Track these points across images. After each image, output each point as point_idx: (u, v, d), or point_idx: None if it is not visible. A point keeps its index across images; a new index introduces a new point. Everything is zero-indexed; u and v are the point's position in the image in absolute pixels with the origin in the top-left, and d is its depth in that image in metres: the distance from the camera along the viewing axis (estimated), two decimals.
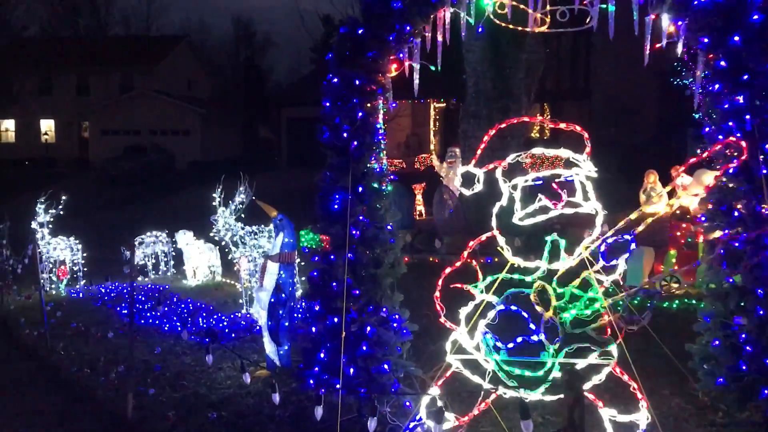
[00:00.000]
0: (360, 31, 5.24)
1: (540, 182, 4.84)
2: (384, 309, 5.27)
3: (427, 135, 38.53)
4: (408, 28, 5.24)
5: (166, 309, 9.16)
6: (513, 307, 4.88)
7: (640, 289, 4.85)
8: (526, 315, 4.85)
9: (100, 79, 46.19)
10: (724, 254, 4.96)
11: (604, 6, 5.20)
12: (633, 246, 4.86)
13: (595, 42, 29.55)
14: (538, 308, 4.80)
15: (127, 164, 36.37)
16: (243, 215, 9.28)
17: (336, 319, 5.12)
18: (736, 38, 4.82)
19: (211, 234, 9.48)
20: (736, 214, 4.97)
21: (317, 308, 5.35)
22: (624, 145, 29.54)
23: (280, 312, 6.69)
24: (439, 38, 5.46)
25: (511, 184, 4.89)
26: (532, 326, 4.81)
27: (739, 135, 4.87)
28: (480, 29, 5.38)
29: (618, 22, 5.30)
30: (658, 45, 5.29)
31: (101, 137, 43.33)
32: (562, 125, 4.94)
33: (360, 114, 5.25)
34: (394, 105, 5.53)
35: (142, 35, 55.49)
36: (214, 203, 9.21)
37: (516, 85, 12.27)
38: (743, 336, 4.95)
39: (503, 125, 5.08)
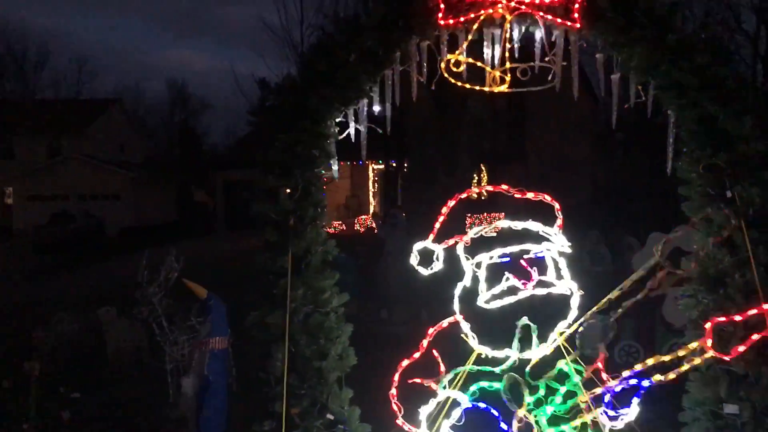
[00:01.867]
0: (300, 93, 4.64)
1: (507, 259, 4.26)
2: (331, 410, 4.52)
3: (367, 197, 38.30)
4: (353, 88, 4.67)
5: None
6: (481, 405, 4.24)
7: (623, 378, 4.26)
8: (496, 413, 4.21)
9: (26, 143, 44.50)
10: (711, 335, 4.43)
11: (564, 64, 4.78)
12: (614, 330, 4.32)
13: (529, 103, 30.03)
14: (510, 405, 4.18)
15: (53, 231, 34.76)
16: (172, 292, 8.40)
17: (273, 425, 4.34)
18: (712, 98, 4.42)
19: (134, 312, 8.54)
20: (721, 290, 4.48)
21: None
22: (561, 206, 29.76)
23: (204, 404, 5.91)
24: (389, 99, 4.90)
25: (475, 262, 4.30)
26: (504, 426, 4.18)
27: (721, 204, 4.43)
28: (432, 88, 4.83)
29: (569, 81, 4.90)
30: (626, 105, 4.89)
31: (26, 203, 41.43)
32: (530, 195, 4.41)
33: (300, 184, 4.60)
34: (337, 172, 4.90)
35: (71, 99, 54.01)
36: (138, 279, 8.31)
37: (461, 146, 11.93)
38: (737, 428, 4.39)
39: (464, 195, 4.53)
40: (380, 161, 35.24)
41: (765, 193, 4.46)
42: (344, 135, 4.92)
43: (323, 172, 4.88)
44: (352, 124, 4.89)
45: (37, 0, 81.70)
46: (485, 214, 33.00)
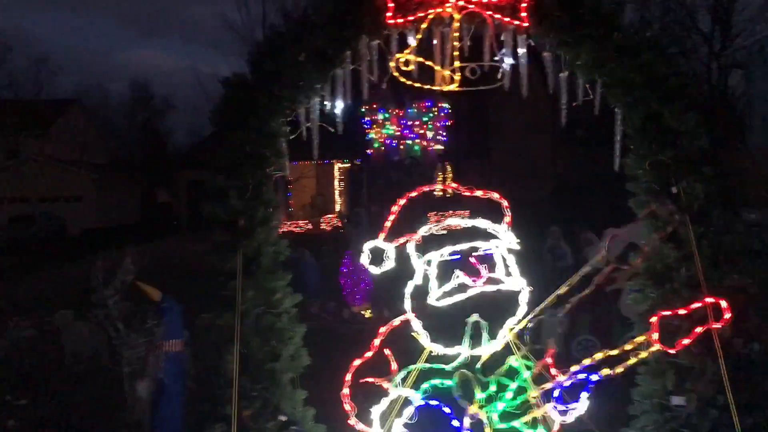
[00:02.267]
0: (249, 92, 4.60)
1: (457, 257, 4.28)
2: (284, 411, 4.50)
3: (332, 196, 38.15)
4: (303, 86, 4.65)
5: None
6: (433, 402, 4.25)
7: (573, 373, 4.30)
8: (447, 410, 4.23)
9: None
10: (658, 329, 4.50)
11: (513, 62, 4.82)
12: (563, 326, 4.36)
13: (492, 101, 30.22)
14: (461, 402, 4.20)
15: (12, 234, 34.06)
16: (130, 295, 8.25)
17: (225, 427, 4.30)
18: (656, 96, 4.50)
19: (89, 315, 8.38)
20: (667, 285, 4.56)
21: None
22: (523, 202, 30.07)
23: (159, 409, 5.81)
24: (340, 97, 4.89)
25: (425, 260, 4.31)
26: (456, 423, 4.19)
27: (666, 200, 4.50)
28: (383, 87, 4.82)
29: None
30: (574, 104, 4.94)
31: None
32: (479, 192, 4.44)
33: (250, 184, 4.56)
34: (288, 171, 4.87)
35: (31, 99, 52.83)
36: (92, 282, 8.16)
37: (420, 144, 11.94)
38: (682, 419, 4.48)
39: (414, 193, 4.54)
40: (346, 160, 35.17)
41: (708, 188, 4.55)
42: (296, 134, 4.87)
43: (275, 171, 4.82)
44: (303, 123, 4.85)
45: None
46: (450, 212, 33.22)
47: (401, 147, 15.40)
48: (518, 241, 4.31)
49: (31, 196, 40.56)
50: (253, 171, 4.57)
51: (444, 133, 11.69)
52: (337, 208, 37.24)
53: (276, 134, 4.65)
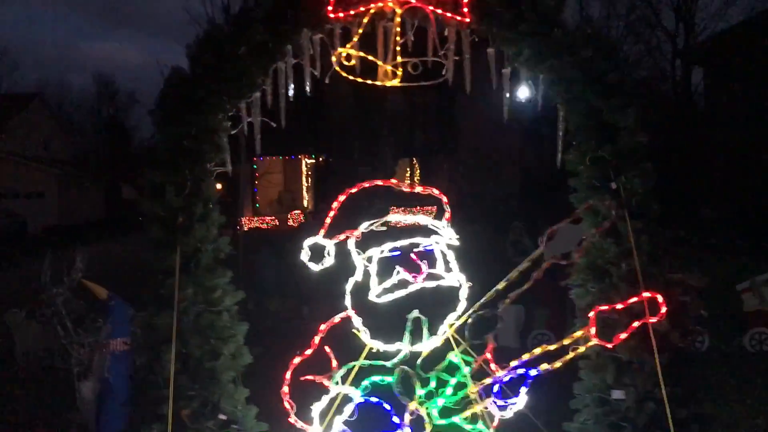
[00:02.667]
0: (188, 85, 4.52)
1: (398, 253, 4.27)
2: (224, 410, 4.44)
3: (300, 191, 37.99)
4: (244, 81, 4.59)
5: None
6: (373, 399, 4.23)
7: (511, 369, 4.32)
8: (388, 407, 4.22)
9: None
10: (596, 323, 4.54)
11: (457, 58, 4.81)
12: (500, 323, 4.38)
13: (459, 97, 30.36)
14: (401, 398, 4.19)
15: None
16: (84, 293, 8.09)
17: (162, 427, 4.23)
18: (596, 92, 4.53)
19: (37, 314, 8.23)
20: (607, 280, 4.60)
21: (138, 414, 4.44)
22: (490, 197, 30.33)
23: (104, 409, 5.73)
24: (284, 92, 4.84)
25: (366, 257, 4.28)
26: (396, 419, 4.18)
27: (605, 195, 4.54)
28: (326, 81, 4.77)
29: (476, 75, 4.93)
30: (518, 100, 4.95)
31: None
32: (419, 188, 4.42)
33: (189, 180, 4.49)
34: (230, 167, 4.80)
35: None
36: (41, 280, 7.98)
37: (382, 140, 11.92)
38: (621, 412, 4.52)
39: (354, 190, 4.51)
40: (313, 155, 35.03)
41: (647, 183, 4.60)
42: (237, 129, 4.81)
43: (215, 167, 4.76)
44: (244, 118, 4.78)
45: None
46: (417, 207, 33.29)
47: None
48: (458, 237, 4.31)
49: None
50: (191, 167, 4.50)
51: None
52: (305, 204, 37.12)
53: (215, 129, 4.58)
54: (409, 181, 36.91)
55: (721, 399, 7.43)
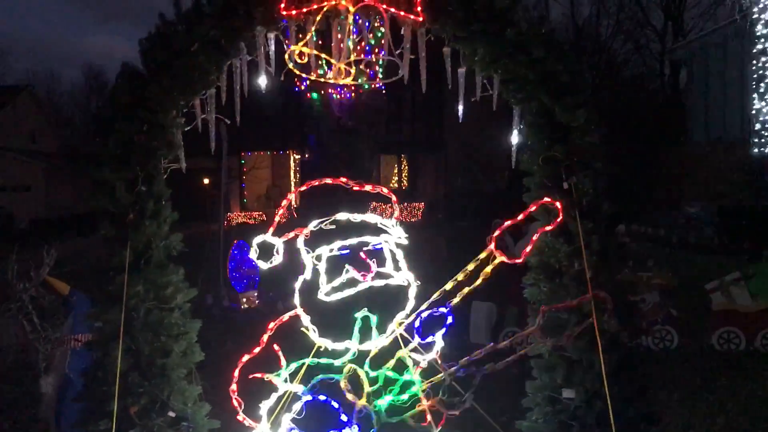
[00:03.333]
0: (140, 81, 4.50)
1: (347, 252, 4.27)
2: (174, 407, 4.44)
3: (288, 187, 37.98)
4: (196, 78, 4.57)
5: None
6: (321, 397, 4.24)
7: (460, 367, 4.34)
8: (336, 405, 4.22)
9: None
10: (546, 322, 4.56)
11: (413, 56, 4.80)
12: (450, 320, 4.39)
13: (447, 93, 30.35)
14: (350, 396, 4.21)
15: None
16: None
17: (109, 424, 4.23)
18: (548, 92, 4.53)
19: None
20: (558, 279, 4.62)
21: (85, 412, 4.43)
22: (478, 194, 30.38)
23: (64, 405, 5.72)
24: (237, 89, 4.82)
25: (315, 255, 4.29)
26: (344, 417, 4.19)
27: (557, 195, 4.55)
28: (281, 80, 4.77)
29: (434, 74, 4.92)
30: (473, 99, 4.96)
31: None
32: (368, 187, 4.43)
33: (140, 177, 4.48)
34: (184, 164, 4.79)
35: None
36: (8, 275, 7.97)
37: (359, 137, 11.90)
38: (570, 411, 4.55)
39: (303, 188, 4.51)
40: (299, 151, 35.02)
41: (598, 184, 4.62)
42: (191, 126, 4.79)
43: (169, 164, 4.74)
44: (198, 115, 4.77)
45: None
46: (405, 204, 33.31)
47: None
48: (407, 236, 4.32)
49: None
50: (142, 163, 4.48)
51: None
52: (293, 199, 37.09)
53: (168, 126, 4.56)
54: (397, 181, 36.97)
55: (687, 397, 7.49)
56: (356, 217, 4.32)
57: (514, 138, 4.92)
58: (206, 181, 30.88)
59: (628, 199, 21.70)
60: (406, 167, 38.00)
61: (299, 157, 34.08)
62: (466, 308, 9.58)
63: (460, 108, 4.97)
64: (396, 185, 36.94)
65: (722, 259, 14.83)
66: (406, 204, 33.26)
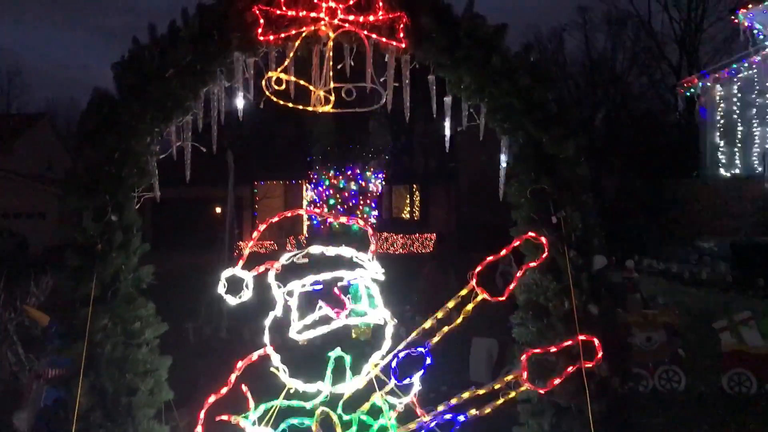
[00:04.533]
0: (110, 105, 4.36)
1: (320, 287, 4.05)
2: None
3: (300, 216, 37.90)
4: (170, 104, 4.42)
5: None
6: None
7: (439, 414, 4.08)
8: None
9: None
10: (534, 365, 4.30)
11: (397, 84, 4.64)
12: (428, 360, 4.14)
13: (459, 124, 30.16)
14: None
15: None
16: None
17: None
18: (535, 122, 4.33)
19: None
20: (545, 319, 4.36)
21: None
22: (490, 224, 29.96)
23: None
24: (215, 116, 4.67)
25: (286, 290, 4.07)
26: None
27: (544, 229, 4.32)
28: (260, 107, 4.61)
29: (420, 103, 4.76)
30: (459, 128, 4.77)
31: None
32: (343, 219, 4.23)
33: (109, 205, 4.31)
34: (158, 193, 4.62)
35: None
36: None
37: (362, 167, 11.74)
38: None
39: (275, 219, 4.32)
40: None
41: (587, 217, 4.38)
42: (166, 154, 4.64)
43: (141, 193, 4.58)
44: (173, 143, 4.62)
45: None
46: (417, 234, 33.04)
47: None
48: (383, 271, 4.09)
49: None
50: (111, 191, 4.31)
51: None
52: (305, 229, 36.95)
53: (137, 153, 4.40)
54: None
55: None
56: (330, 250, 4.11)
57: (502, 170, 4.69)
58: (218, 210, 30.92)
59: (640, 233, 21.32)
60: (418, 198, 37.81)
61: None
62: (466, 345, 9.28)
63: (447, 135, 4.77)
64: (408, 216, 36.72)
65: (735, 296, 14.37)
66: (417, 235, 32.97)
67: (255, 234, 4.27)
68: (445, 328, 4.17)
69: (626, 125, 38.54)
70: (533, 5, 64.17)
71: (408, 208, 37.37)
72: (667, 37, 41.55)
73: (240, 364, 4.12)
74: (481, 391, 4.11)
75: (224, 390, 4.10)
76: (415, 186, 37.18)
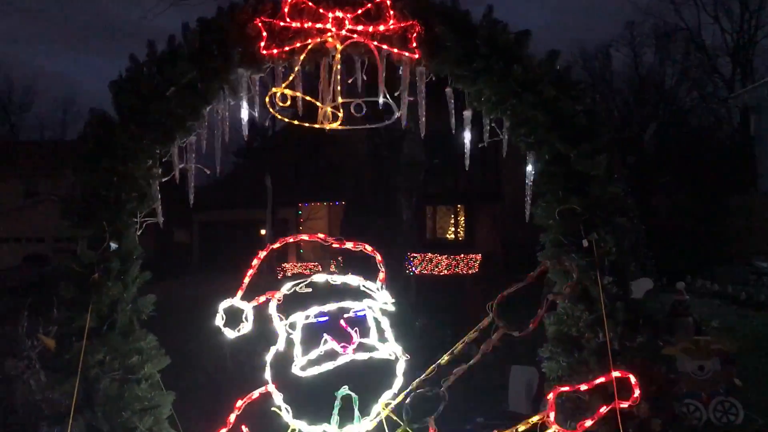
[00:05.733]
0: (108, 128, 4.14)
1: (325, 319, 3.72)
2: None
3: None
4: (170, 124, 4.18)
5: None
6: None
7: None
8: None
9: (2, 186, 44.14)
10: (566, 403, 3.88)
11: (412, 99, 4.31)
12: (445, 401, 3.75)
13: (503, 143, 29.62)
14: None
15: (24, 273, 34.14)
16: None
17: None
18: (562, 136, 3.95)
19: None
20: (577, 353, 3.93)
21: None
22: (535, 245, 29.23)
23: None
24: (222, 137, 4.42)
25: (289, 323, 3.75)
26: None
27: (573, 254, 3.91)
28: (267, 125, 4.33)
29: (437, 117, 4.42)
30: (480, 144, 4.41)
31: None
32: (349, 244, 3.89)
33: (107, 232, 4.07)
34: (162, 218, 4.38)
35: (54, 140, 53.52)
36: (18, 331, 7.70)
37: (396, 188, 11.46)
38: None
39: (277, 245, 4.02)
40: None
41: (622, 241, 3.96)
42: (169, 176, 4.40)
43: (144, 219, 4.34)
44: (176, 165, 4.38)
45: (26, 40, 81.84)
46: (462, 255, 32.50)
47: None
48: (393, 301, 3.74)
49: (45, 236, 40.81)
50: (109, 218, 4.08)
51: None
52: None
53: (136, 176, 4.16)
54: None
55: None
56: (336, 279, 3.78)
57: (528, 188, 4.31)
58: (263, 232, 31.03)
59: (693, 252, 20.42)
60: (463, 217, 37.28)
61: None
62: (505, 373, 8.82)
63: (466, 152, 4.42)
64: (452, 236, 36.21)
65: None
66: (463, 255, 32.40)
67: (255, 262, 3.95)
68: (462, 367, 3.78)
69: (677, 141, 37.37)
70: (579, 23, 63.33)
71: (452, 228, 36.85)
72: (718, 49, 40.37)
73: (240, 402, 3.81)
74: (521, 428, 3.69)
75: (223, 431, 3.79)
76: (459, 205, 36.68)
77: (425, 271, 30.40)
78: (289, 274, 34.45)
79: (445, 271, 32.04)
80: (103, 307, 4.07)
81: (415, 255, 29.05)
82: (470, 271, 30.92)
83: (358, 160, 11.78)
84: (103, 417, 3.99)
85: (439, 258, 32.71)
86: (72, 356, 3.98)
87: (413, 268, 28.05)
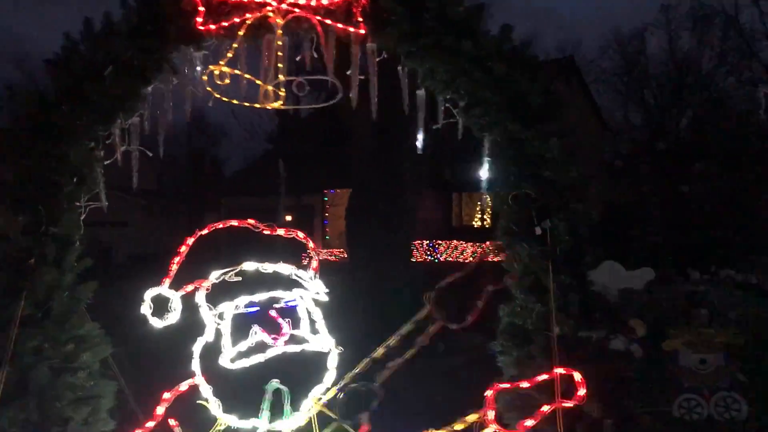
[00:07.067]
0: (43, 109, 3.99)
1: (255, 309, 3.54)
2: None
3: None
4: (109, 104, 4.02)
5: None
6: None
7: None
8: None
9: None
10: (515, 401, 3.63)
11: (363, 77, 4.08)
12: (379, 397, 3.55)
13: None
14: None
15: None
16: None
17: None
18: (514, 117, 3.68)
19: None
20: (526, 347, 3.68)
21: None
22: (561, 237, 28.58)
23: None
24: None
25: (217, 313, 3.58)
26: None
27: (524, 243, 3.65)
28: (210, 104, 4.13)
29: (391, 99, 4.17)
30: (434, 126, 4.16)
31: None
32: (281, 231, 3.69)
33: (43, 217, 3.93)
34: (106, 203, 4.24)
35: None
36: None
37: (401, 173, 11.20)
38: None
39: (204, 231, 3.84)
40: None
41: (578, 229, 3.68)
42: (112, 159, 4.24)
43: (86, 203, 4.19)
44: (118, 146, 4.22)
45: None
46: (487, 242, 32.08)
47: None
48: (327, 290, 3.54)
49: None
50: (44, 202, 3.93)
51: None
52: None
53: (70, 159, 4.00)
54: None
55: None
56: (266, 267, 3.59)
57: (484, 173, 4.04)
58: (288, 218, 31.04)
59: (724, 242, 19.75)
60: (489, 204, 36.85)
61: None
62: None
63: (420, 138, 4.17)
64: (478, 223, 35.81)
65: None
66: (488, 243, 31.97)
67: (183, 248, 3.79)
68: (398, 360, 3.56)
69: (714, 127, 36.26)
70: (615, 8, 61.69)
71: (478, 215, 36.38)
72: (758, 32, 38.94)
73: (167, 395, 3.65)
74: (458, 427, 3.48)
75: (150, 424, 3.64)
76: (462, 194, 36.16)
77: (450, 258, 30.14)
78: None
79: (471, 259, 31.72)
80: (39, 294, 3.93)
81: (440, 242, 28.88)
82: (496, 259, 30.51)
83: (365, 144, 11.48)
84: (35, 407, 3.87)
85: (465, 245, 32.35)
86: (3, 344, 3.85)
87: (438, 255, 27.91)
